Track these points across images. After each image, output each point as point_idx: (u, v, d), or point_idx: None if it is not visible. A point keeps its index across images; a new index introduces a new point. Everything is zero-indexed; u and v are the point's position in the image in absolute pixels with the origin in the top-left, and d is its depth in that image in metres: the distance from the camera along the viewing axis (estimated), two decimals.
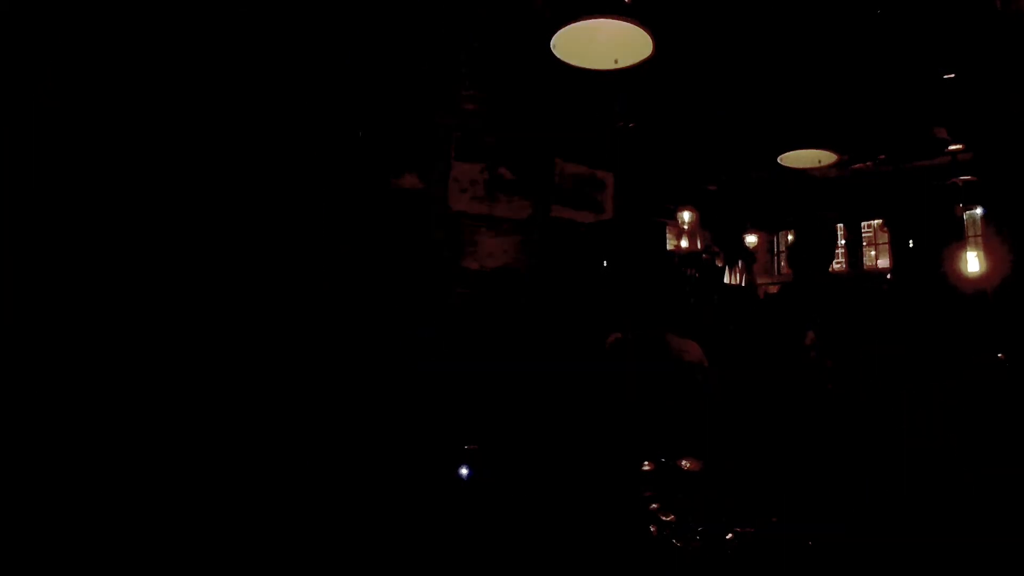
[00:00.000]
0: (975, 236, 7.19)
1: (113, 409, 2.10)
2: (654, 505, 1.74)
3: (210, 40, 2.50)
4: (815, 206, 8.51)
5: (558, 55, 2.48)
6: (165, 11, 2.36)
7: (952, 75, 4.61)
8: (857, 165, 7.94)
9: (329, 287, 2.89)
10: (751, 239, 8.88)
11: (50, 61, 2.17)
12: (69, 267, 2.15)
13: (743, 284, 7.76)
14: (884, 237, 9.63)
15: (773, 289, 7.99)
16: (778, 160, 4.36)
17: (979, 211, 6.99)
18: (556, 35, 2.37)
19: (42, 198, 2.15)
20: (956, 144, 6.51)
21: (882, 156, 7.65)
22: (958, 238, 7.16)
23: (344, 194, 3.08)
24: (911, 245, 7.95)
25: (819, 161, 4.33)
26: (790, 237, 10.13)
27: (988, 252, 5.11)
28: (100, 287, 2.18)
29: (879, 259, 9.91)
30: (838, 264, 10.36)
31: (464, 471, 2.30)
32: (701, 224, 8.12)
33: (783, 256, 10.45)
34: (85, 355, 2.12)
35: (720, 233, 8.43)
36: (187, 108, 2.44)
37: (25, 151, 2.13)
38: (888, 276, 8.73)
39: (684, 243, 7.98)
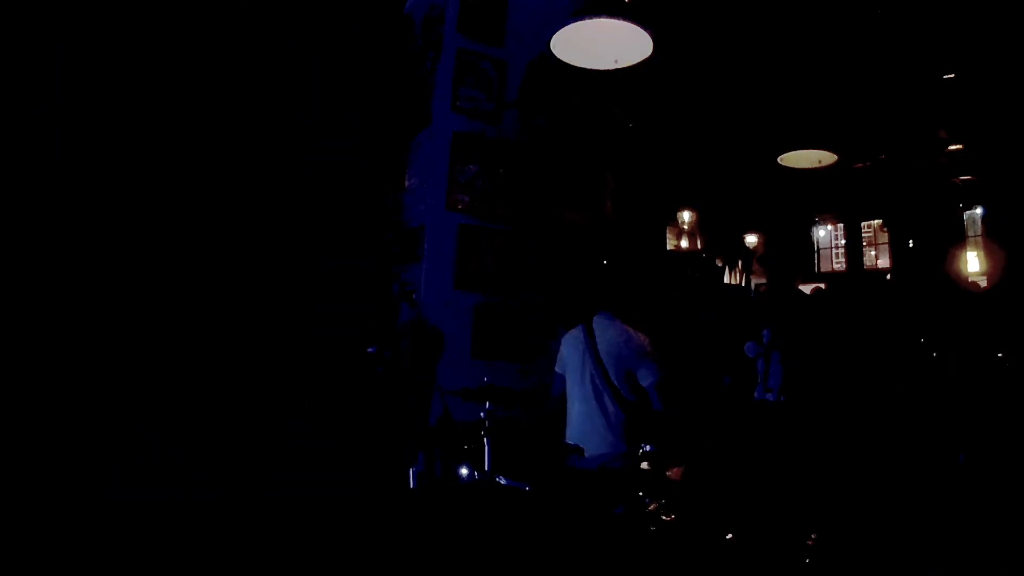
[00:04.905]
0: (975, 236, 7.19)
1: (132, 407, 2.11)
2: (653, 505, 1.74)
3: (215, 46, 2.50)
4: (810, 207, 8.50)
5: (558, 55, 2.47)
6: (177, 27, 2.36)
7: (952, 75, 4.61)
8: (857, 165, 7.94)
9: (327, 284, 2.89)
10: (751, 239, 8.89)
11: (50, 67, 2.17)
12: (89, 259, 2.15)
13: (743, 284, 7.76)
14: (884, 237, 9.63)
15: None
16: (778, 160, 4.35)
17: (979, 211, 6.99)
18: (556, 35, 2.37)
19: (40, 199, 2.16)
20: (956, 144, 6.52)
21: (882, 156, 7.65)
22: (958, 238, 7.17)
23: (346, 193, 3.08)
24: (911, 245, 7.95)
25: (819, 161, 4.32)
26: None
27: (988, 252, 5.11)
28: (116, 292, 2.19)
29: (879, 259, 9.91)
30: (838, 264, 10.37)
31: (464, 471, 2.30)
32: (701, 224, 8.12)
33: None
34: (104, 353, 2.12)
35: (720, 233, 8.44)
36: (197, 118, 2.44)
37: (23, 153, 2.13)
38: (887, 276, 8.73)
39: (684, 243, 7.98)
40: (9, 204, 2.12)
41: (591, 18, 2.21)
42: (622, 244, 3.69)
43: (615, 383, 2.52)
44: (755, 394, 2.68)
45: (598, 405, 2.55)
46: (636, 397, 2.54)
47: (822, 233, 10.26)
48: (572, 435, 2.63)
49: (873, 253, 10.02)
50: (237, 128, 2.60)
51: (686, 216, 7.76)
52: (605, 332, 2.60)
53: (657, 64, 2.47)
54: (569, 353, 2.69)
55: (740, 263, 8.10)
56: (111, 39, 2.26)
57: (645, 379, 2.51)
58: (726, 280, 7.78)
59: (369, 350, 2.65)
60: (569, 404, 2.67)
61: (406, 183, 3.75)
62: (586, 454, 2.32)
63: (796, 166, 4.44)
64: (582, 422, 2.60)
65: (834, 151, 4.25)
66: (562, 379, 2.76)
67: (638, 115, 4.86)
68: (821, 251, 10.30)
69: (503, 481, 2.09)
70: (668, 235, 7.35)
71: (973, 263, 6.05)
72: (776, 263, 2.72)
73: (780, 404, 2.58)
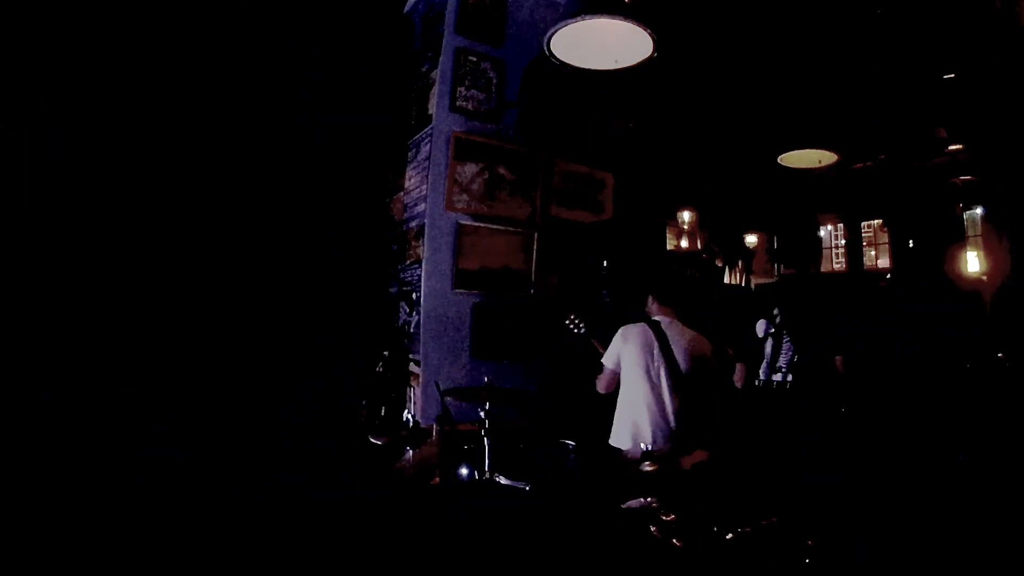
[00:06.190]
0: (975, 236, 7.19)
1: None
2: (654, 505, 1.74)
3: (215, 47, 2.50)
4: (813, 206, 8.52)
5: (558, 55, 2.47)
6: (177, 31, 2.36)
7: (952, 75, 4.61)
8: (857, 165, 7.94)
9: (323, 285, 2.89)
10: (751, 239, 8.89)
11: (49, 75, 2.17)
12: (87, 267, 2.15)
13: (743, 284, 7.77)
14: (884, 237, 9.63)
15: None
16: (778, 160, 4.35)
17: (979, 211, 6.99)
18: (556, 35, 2.36)
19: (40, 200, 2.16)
20: (956, 144, 6.52)
21: (882, 156, 7.65)
22: (958, 238, 7.17)
23: (345, 193, 3.09)
24: (911, 245, 7.96)
25: (819, 161, 4.32)
26: None
27: (988, 252, 5.11)
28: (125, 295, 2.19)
29: (879, 259, 9.91)
30: (838, 264, 10.37)
31: (464, 471, 2.30)
32: (701, 224, 8.12)
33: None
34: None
35: (720, 233, 8.44)
36: (197, 125, 2.44)
37: (22, 156, 2.13)
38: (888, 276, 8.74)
39: (684, 243, 7.98)
40: (10, 203, 2.12)
41: (591, 18, 2.21)
42: (623, 244, 3.68)
43: (687, 382, 2.59)
44: (761, 375, 2.69)
45: (663, 401, 2.60)
46: (698, 395, 2.61)
47: (822, 233, 10.26)
48: (628, 427, 2.64)
49: (873, 253, 10.02)
50: (235, 129, 2.60)
51: (686, 216, 7.75)
52: (679, 335, 2.66)
53: (657, 64, 2.47)
54: (632, 350, 2.70)
55: (740, 263, 8.10)
56: (112, 36, 2.26)
57: (712, 379, 2.61)
58: (726, 280, 7.78)
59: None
60: (627, 398, 2.68)
61: (406, 183, 3.75)
62: (645, 446, 2.31)
63: (796, 166, 4.44)
64: (644, 415, 2.62)
65: (834, 151, 4.25)
66: (613, 373, 2.76)
67: (638, 115, 4.86)
68: (821, 251, 10.31)
69: (503, 481, 2.09)
70: (668, 235, 7.34)
71: (973, 263, 6.04)
72: (789, 256, 2.77)
73: (789, 385, 2.59)
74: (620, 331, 2.77)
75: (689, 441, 2.50)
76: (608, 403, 2.79)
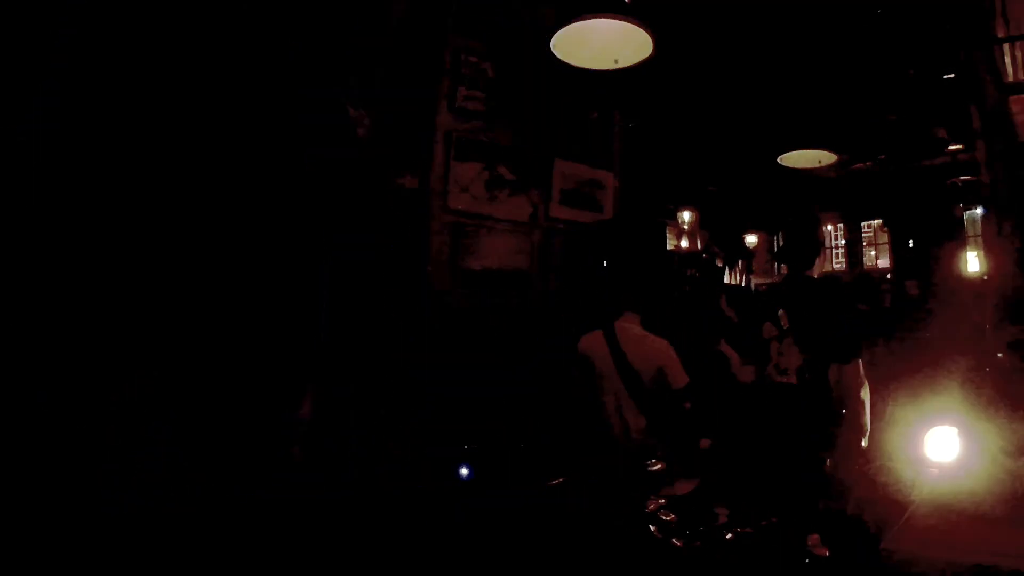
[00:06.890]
0: (975, 236, 7.19)
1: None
2: (653, 505, 1.75)
3: (216, 49, 2.49)
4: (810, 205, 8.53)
5: (558, 55, 2.47)
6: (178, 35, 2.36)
7: (952, 75, 4.61)
8: (857, 165, 7.94)
9: (323, 290, 2.89)
10: (751, 239, 8.88)
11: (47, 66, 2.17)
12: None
13: (743, 284, 7.76)
14: (884, 237, 9.64)
15: None
16: (778, 160, 4.36)
17: (979, 211, 6.99)
18: (556, 35, 2.37)
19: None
20: (956, 144, 6.52)
21: (882, 156, 7.65)
22: (958, 238, 7.17)
23: (346, 193, 3.08)
24: (911, 245, 7.96)
25: (819, 161, 4.33)
26: None
27: (988, 252, 5.11)
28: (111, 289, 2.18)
29: (879, 259, 9.92)
30: (838, 264, 10.37)
31: (464, 471, 2.30)
32: (701, 224, 8.12)
33: None
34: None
35: (720, 233, 8.44)
36: (190, 112, 2.44)
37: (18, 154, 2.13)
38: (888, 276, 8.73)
39: (684, 243, 7.98)
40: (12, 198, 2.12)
41: (591, 18, 2.21)
42: (623, 244, 3.69)
43: (644, 387, 2.51)
44: (766, 376, 2.66)
45: (627, 408, 2.54)
46: (661, 401, 2.53)
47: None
48: (595, 435, 2.61)
49: (873, 253, 10.03)
50: (238, 130, 2.60)
51: (686, 216, 7.75)
52: (631, 338, 2.57)
53: (658, 64, 2.47)
54: (591, 356, 2.64)
55: (740, 263, 8.10)
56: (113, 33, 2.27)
57: (675, 383, 2.51)
58: (726, 280, 7.77)
59: None
60: (592, 405, 2.64)
61: (405, 183, 3.75)
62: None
63: (796, 166, 4.45)
64: (611, 422, 2.58)
65: (834, 151, 4.26)
66: (580, 381, 2.72)
67: (639, 115, 4.86)
68: (823, 251, 10.34)
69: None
70: (668, 235, 7.34)
71: (973, 263, 6.05)
72: (793, 255, 2.75)
73: (794, 387, 2.55)
74: (582, 339, 2.71)
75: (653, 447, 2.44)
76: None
